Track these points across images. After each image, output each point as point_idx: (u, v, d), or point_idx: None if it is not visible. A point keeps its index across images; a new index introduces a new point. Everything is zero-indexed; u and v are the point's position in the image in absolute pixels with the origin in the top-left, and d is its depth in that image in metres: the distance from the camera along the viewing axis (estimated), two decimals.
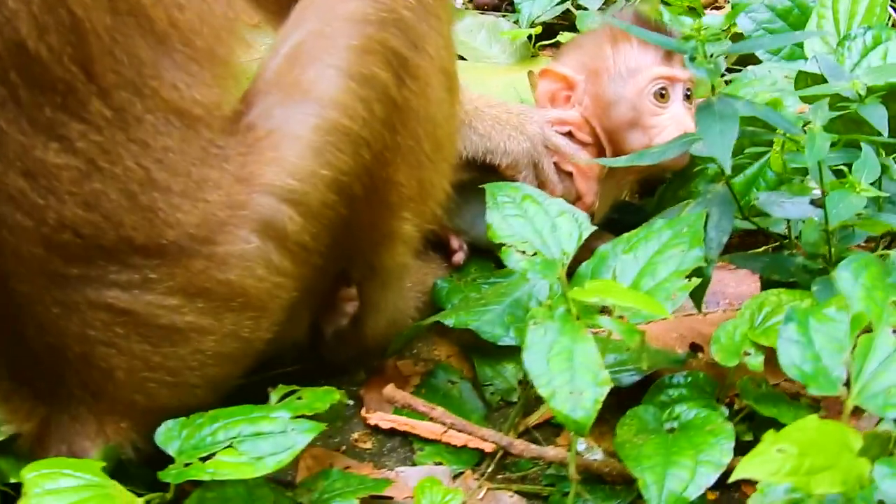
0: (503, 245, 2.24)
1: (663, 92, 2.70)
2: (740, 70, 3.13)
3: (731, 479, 1.69)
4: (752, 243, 2.80)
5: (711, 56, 2.13)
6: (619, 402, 2.37)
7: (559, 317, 2.08)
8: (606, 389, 2.00)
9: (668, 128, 2.67)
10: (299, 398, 2.15)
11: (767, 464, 1.61)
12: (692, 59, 2.14)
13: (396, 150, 2.22)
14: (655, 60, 2.70)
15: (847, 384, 1.86)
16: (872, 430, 1.72)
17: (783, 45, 2.95)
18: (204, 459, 2.00)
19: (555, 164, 2.73)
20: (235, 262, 2.09)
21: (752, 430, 2.28)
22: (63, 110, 1.92)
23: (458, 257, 2.78)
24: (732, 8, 3.17)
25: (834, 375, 1.86)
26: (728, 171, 2.14)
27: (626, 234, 2.29)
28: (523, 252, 2.22)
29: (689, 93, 2.72)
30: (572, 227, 2.26)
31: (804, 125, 2.26)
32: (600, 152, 2.76)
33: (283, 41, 2.18)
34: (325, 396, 2.15)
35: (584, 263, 2.27)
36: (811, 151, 2.11)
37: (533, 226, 2.27)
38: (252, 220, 2.09)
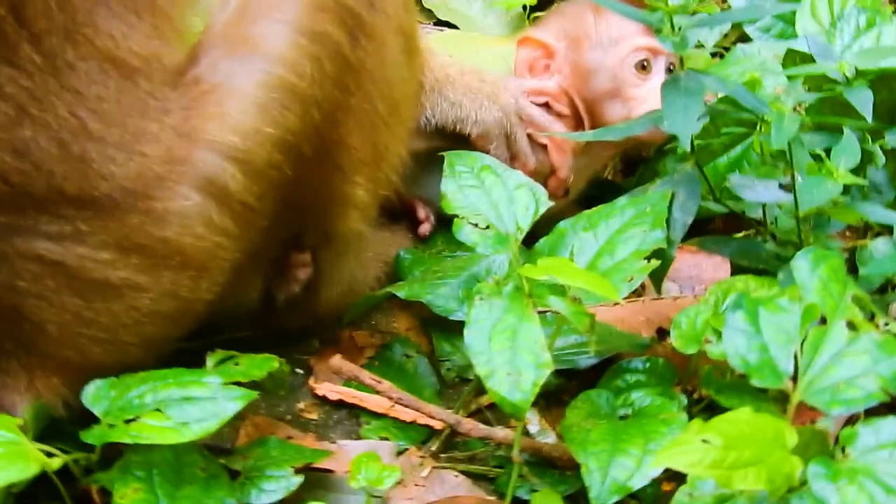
0: (456, 216, 2.16)
1: (645, 63, 2.61)
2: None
3: (652, 467, 1.61)
4: (733, 227, 2.70)
5: (679, 29, 2.03)
6: (579, 384, 2.31)
7: (507, 294, 2.01)
8: (547, 372, 1.94)
9: (648, 100, 2.56)
10: (237, 364, 2.08)
11: (688, 454, 1.51)
12: (658, 30, 2.05)
13: (349, 111, 2.15)
14: (639, 30, 2.60)
15: (794, 378, 1.77)
16: (811, 426, 1.61)
17: (758, 17, 2.83)
18: (129, 422, 1.95)
19: (529, 135, 2.63)
20: (174, 219, 2.02)
21: None
22: None
23: (425, 228, 2.69)
24: None
25: (780, 368, 1.77)
26: (687, 148, 2.05)
27: (587, 211, 2.21)
28: (476, 225, 2.13)
29: (672, 66, 2.62)
30: (529, 200, 2.17)
31: None
32: (578, 124, 2.67)
33: None
34: (263, 364, 2.08)
35: (541, 239, 2.20)
36: (778, 133, 2.01)
37: (489, 198, 2.19)
38: (193, 176, 2.02)
